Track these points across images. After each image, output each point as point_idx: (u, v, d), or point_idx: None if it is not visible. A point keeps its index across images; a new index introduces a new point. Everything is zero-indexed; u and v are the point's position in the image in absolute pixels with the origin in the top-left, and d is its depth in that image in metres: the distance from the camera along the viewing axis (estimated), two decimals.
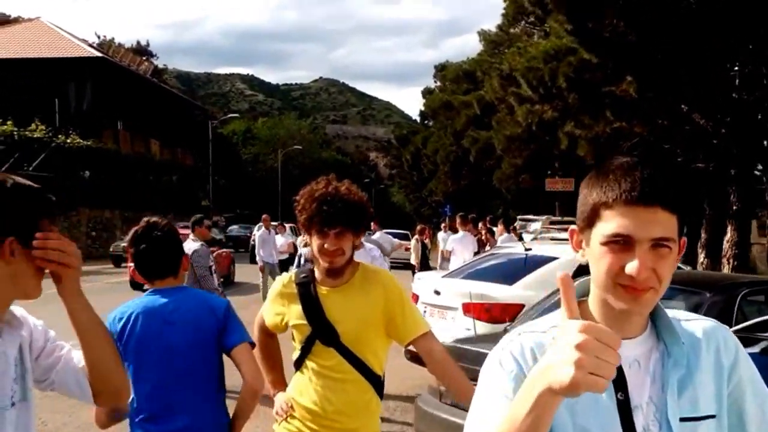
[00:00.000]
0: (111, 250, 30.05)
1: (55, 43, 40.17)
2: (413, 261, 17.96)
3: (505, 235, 12.91)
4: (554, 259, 7.27)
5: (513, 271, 7.75)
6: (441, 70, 45.23)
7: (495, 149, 29.40)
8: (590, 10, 13.71)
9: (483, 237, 13.66)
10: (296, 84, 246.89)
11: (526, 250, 7.76)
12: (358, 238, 2.75)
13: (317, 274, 2.79)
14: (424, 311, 7.51)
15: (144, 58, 57.04)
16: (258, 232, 15.50)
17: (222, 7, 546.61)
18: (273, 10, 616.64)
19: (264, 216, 15.61)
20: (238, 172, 65.07)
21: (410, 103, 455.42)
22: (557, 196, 27.08)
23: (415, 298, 7.97)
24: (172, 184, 48.95)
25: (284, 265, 14.93)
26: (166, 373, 2.68)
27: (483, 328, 6.69)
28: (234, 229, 45.86)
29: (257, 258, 15.04)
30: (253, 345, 2.77)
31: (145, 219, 2.86)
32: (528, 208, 28.21)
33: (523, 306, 6.65)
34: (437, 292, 7.47)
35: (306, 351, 2.79)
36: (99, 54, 41.24)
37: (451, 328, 6.97)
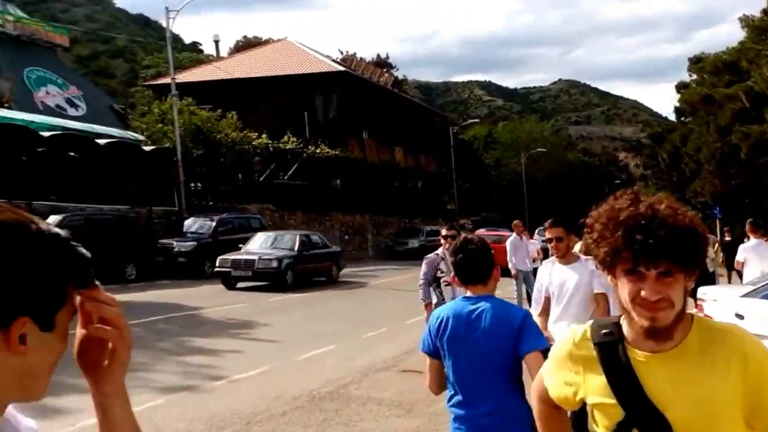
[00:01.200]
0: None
1: (302, 60, 42.29)
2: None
3: None
4: None
5: None
6: (696, 62, 41.01)
7: None
8: None
9: None
10: (535, 87, 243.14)
11: None
12: (691, 280, 1.78)
13: (627, 331, 1.85)
14: None
15: (384, 69, 58.41)
16: (509, 239, 14.32)
17: (457, 18, 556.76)
18: (507, 17, 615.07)
19: (515, 222, 15.00)
20: (480, 176, 64.54)
21: (659, 100, 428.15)
22: None
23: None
24: (417, 189, 49.51)
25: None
26: (470, 368, 3.12)
27: None
28: (482, 232, 45.21)
29: (509, 265, 13.91)
30: (545, 352, 2.55)
31: (463, 235, 3.50)
32: None
33: None
34: (740, 316, 5.84)
35: None
36: (342, 68, 42.61)
37: None
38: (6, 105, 28.00)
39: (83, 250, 1.08)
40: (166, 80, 31.19)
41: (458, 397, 3.15)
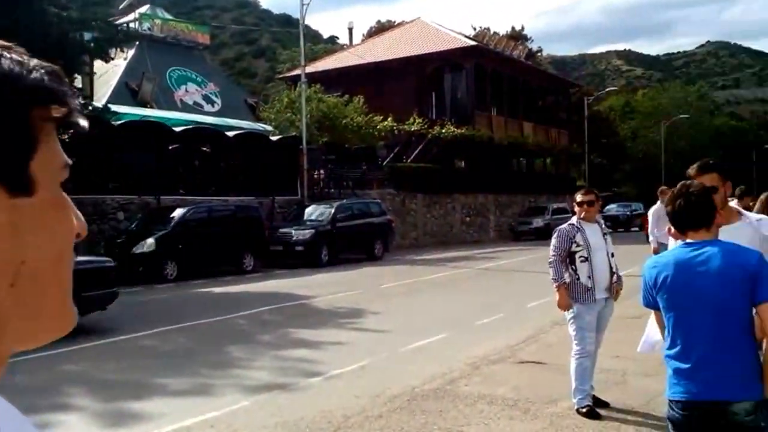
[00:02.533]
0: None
1: (433, 38, 41.50)
2: None
3: None
4: None
5: None
6: None
7: None
8: None
9: None
10: (680, 52, 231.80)
11: None
12: None
13: None
14: None
15: (518, 42, 56.49)
16: (654, 207, 12.41)
17: None
18: None
19: (662, 188, 12.69)
20: (614, 149, 61.46)
21: None
22: None
23: None
24: (545, 166, 47.69)
25: None
26: (697, 319, 2.87)
27: None
28: (612, 208, 43.30)
29: (650, 238, 12.40)
30: None
31: (681, 182, 3.14)
32: None
33: None
34: None
35: None
36: (473, 43, 41.48)
37: None
38: (148, 105, 29.27)
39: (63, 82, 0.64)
40: (298, 71, 31.53)
41: (678, 349, 2.93)
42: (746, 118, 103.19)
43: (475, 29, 61.80)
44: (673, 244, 3.68)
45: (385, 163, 33.13)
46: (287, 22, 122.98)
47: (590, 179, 49.85)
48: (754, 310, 2.85)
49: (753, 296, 2.79)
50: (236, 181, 24.69)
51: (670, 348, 2.96)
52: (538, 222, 34.66)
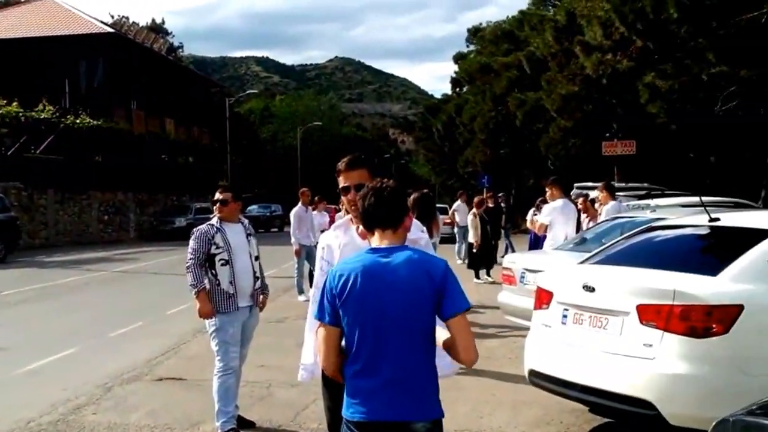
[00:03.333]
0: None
1: (65, 20, 38.13)
2: (472, 239, 15.42)
3: (612, 203, 10.03)
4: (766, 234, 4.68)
5: (701, 253, 5.21)
6: (475, 33, 42.43)
7: (543, 112, 26.62)
8: None
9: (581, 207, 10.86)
10: (312, 64, 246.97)
11: (712, 220, 5.16)
12: None
13: None
14: (564, 316, 4.97)
15: (159, 35, 54.63)
16: (294, 209, 12.96)
17: None
18: None
19: (302, 190, 13.20)
20: (256, 150, 62.95)
21: (426, 78, 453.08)
22: (615, 161, 24.30)
23: (546, 296, 5.25)
24: (188, 164, 46.80)
25: None
26: (380, 332, 2.62)
27: (675, 343, 4.20)
28: (253, 209, 43.99)
29: (292, 240, 12.64)
30: (468, 309, 2.70)
31: (376, 179, 2.94)
32: (578, 175, 25.50)
33: (741, 308, 4.13)
34: (589, 288, 4.76)
35: None
36: (111, 30, 38.91)
37: (618, 343, 4.47)
38: None
39: None
40: None
41: (359, 366, 2.67)
42: (368, 129, 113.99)
43: (113, 17, 58.38)
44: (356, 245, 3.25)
45: (10, 153, 29.32)
46: None
47: (233, 179, 50.20)
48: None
49: (440, 311, 2.61)
50: None
51: (351, 364, 2.69)
52: (180, 221, 33.85)
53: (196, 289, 5.37)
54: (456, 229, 19.50)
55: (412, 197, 6.88)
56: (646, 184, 15.75)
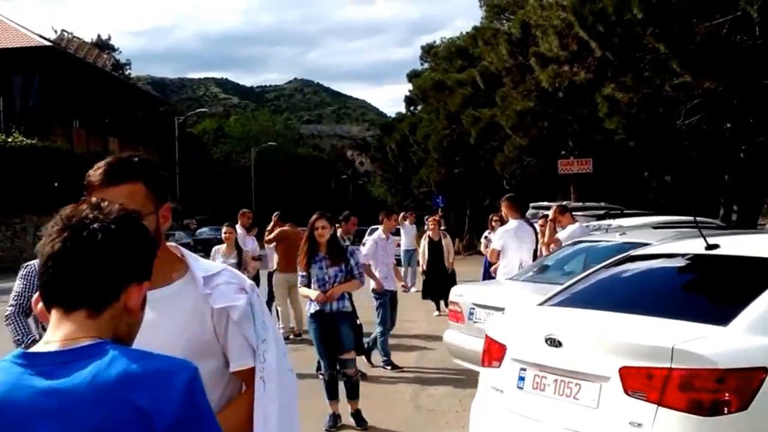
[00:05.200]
0: None
1: None
2: (422, 264, 14.07)
3: (576, 226, 8.46)
4: None
5: (703, 293, 3.94)
6: (428, 51, 41.60)
7: (498, 130, 25.72)
8: None
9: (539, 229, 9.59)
10: (271, 86, 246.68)
11: (709, 247, 3.94)
12: None
13: None
14: (521, 378, 3.72)
15: (104, 51, 52.84)
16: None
17: (195, 12, 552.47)
18: (247, 13, 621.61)
19: (242, 211, 12.17)
20: (208, 171, 61.23)
21: (384, 100, 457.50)
22: (571, 180, 23.49)
23: (497, 349, 3.91)
24: None
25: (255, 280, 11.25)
26: None
27: (673, 422, 2.97)
28: (204, 231, 42.13)
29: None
30: None
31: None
32: (534, 194, 24.64)
33: (765, 372, 2.95)
34: (554, 342, 3.48)
35: None
36: (48, 43, 37.13)
37: (593, 420, 3.23)
38: None
39: None
40: None
41: None
42: (326, 150, 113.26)
43: (56, 32, 56.39)
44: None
45: None
46: None
47: (184, 202, 48.50)
48: None
49: None
50: None
51: None
52: None
53: (22, 344, 3.88)
54: (402, 253, 17.92)
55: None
56: (603, 203, 14.72)
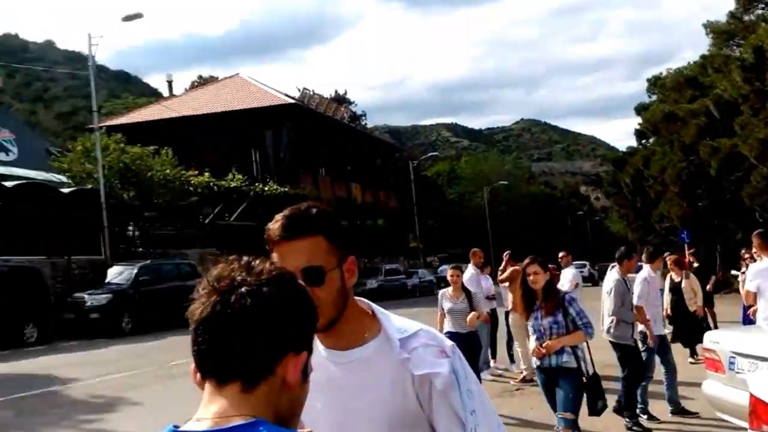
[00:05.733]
0: None
1: (252, 95, 40.60)
2: (665, 307, 12.68)
3: None
4: None
5: None
6: (655, 82, 39.92)
7: (741, 159, 23.88)
8: None
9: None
10: (498, 127, 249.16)
11: None
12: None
13: None
14: None
15: (342, 105, 56.85)
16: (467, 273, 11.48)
17: (424, 65, 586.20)
18: (472, 61, 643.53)
19: (473, 250, 11.84)
20: (444, 212, 63.05)
21: (615, 134, 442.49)
22: None
23: (766, 411, 3.60)
24: (377, 227, 47.45)
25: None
26: None
27: None
28: (444, 269, 43.40)
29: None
30: None
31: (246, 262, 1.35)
32: None
33: None
34: None
35: None
36: (292, 101, 40.88)
37: None
38: None
39: None
40: (113, 122, 28.60)
41: None
42: (558, 188, 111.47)
43: (299, 90, 61.76)
44: None
45: (207, 221, 31.04)
46: (125, 79, 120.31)
47: (424, 241, 50.32)
48: None
49: None
50: (17, 239, 21.02)
51: None
52: (371, 283, 34.66)
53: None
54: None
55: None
56: None
